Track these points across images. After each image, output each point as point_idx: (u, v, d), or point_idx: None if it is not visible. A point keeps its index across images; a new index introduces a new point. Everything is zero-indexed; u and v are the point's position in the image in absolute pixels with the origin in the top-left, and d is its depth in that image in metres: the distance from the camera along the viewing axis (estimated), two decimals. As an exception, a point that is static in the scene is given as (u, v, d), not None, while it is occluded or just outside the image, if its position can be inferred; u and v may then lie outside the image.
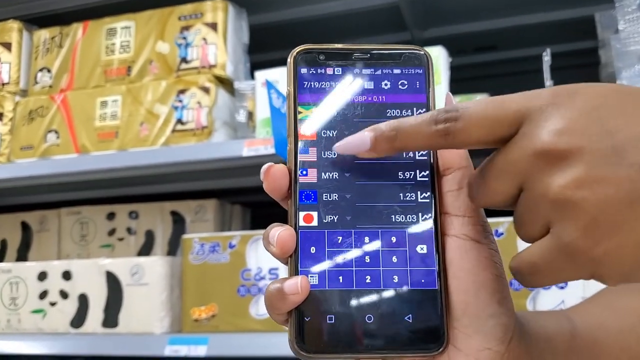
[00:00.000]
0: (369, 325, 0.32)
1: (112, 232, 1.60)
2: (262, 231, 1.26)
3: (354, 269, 0.33)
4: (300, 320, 0.33)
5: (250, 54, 1.50)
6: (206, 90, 1.35)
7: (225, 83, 1.40)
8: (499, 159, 0.29)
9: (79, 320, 1.35)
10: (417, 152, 0.35)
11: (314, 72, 0.36)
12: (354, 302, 0.33)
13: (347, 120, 0.35)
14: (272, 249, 0.34)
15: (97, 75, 1.49)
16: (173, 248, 1.54)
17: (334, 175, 0.35)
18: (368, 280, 0.33)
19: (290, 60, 0.36)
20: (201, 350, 1.21)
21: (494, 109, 0.29)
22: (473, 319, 0.33)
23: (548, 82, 1.08)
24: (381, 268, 0.33)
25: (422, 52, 0.36)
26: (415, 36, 1.70)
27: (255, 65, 1.45)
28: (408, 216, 0.34)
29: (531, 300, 1.09)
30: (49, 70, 1.55)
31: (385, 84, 0.35)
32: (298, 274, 0.33)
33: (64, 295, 1.37)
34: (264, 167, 0.35)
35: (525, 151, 0.28)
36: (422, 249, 0.34)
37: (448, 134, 0.30)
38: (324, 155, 0.35)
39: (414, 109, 0.35)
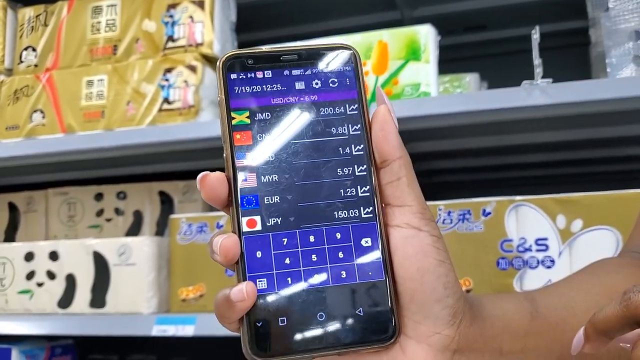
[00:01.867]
0: (322, 324, 0.33)
1: (100, 213, 1.59)
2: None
3: (301, 268, 0.33)
4: (251, 325, 0.33)
5: (238, 32, 1.48)
6: (193, 69, 1.34)
7: (212, 62, 1.39)
8: None
9: (66, 300, 1.34)
10: (353, 148, 0.35)
11: (244, 77, 0.35)
12: (304, 302, 0.33)
13: (282, 122, 0.35)
14: (216, 258, 0.33)
15: (82, 54, 1.47)
16: (161, 228, 1.54)
17: (274, 178, 0.34)
18: (317, 279, 0.33)
19: (219, 66, 0.35)
20: (189, 330, 1.21)
21: None
22: (420, 305, 0.33)
23: (537, 60, 1.07)
24: (328, 265, 0.33)
25: (349, 49, 0.36)
26: (405, 15, 1.68)
27: (243, 45, 1.43)
28: (350, 211, 0.34)
29: (518, 280, 1.09)
30: (34, 49, 1.53)
31: (316, 83, 0.36)
32: (245, 280, 0.33)
33: (51, 275, 1.36)
34: (199, 176, 0.34)
35: None
36: (366, 242, 0.34)
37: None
38: (262, 159, 0.35)
39: (346, 105, 0.36)
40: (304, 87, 0.36)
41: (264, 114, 0.35)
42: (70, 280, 1.35)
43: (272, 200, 0.34)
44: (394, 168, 0.34)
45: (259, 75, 0.35)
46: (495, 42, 1.82)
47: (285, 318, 0.33)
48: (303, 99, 0.35)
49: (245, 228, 0.34)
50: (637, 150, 1.39)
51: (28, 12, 1.56)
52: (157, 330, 1.21)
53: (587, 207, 1.06)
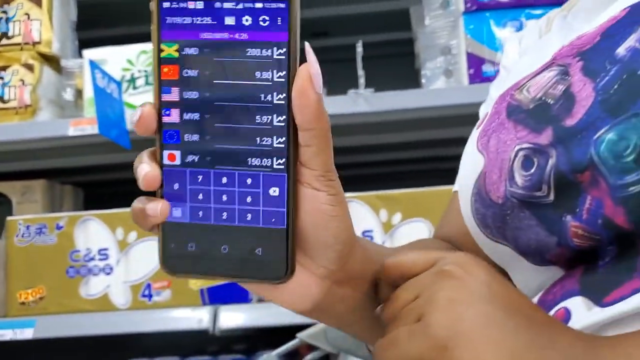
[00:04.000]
0: (224, 255, 0.36)
1: None
2: (91, 212, 1.26)
3: (212, 205, 0.36)
4: (165, 245, 0.37)
5: (79, 30, 1.47)
6: (29, 67, 1.31)
7: (51, 61, 1.37)
8: (413, 281, 0.40)
9: None
10: (275, 96, 0.35)
11: (177, 6, 0.35)
12: (211, 235, 0.36)
13: (208, 60, 0.35)
14: (139, 184, 0.37)
15: None
16: (-2, 231, 1.48)
17: (195, 117, 0.35)
18: (224, 217, 0.36)
19: None
20: (28, 333, 1.19)
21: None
22: (312, 248, 0.39)
23: (360, 71, 1.19)
24: (236, 207, 0.36)
25: None
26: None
27: (84, 42, 1.42)
28: (264, 160, 0.35)
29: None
30: None
31: (246, 20, 0.34)
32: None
33: None
34: (136, 110, 0.36)
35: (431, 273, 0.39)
36: (274, 191, 0.36)
37: None
38: (185, 95, 0.35)
39: (274, 48, 0.34)
40: (233, 24, 0.34)
41: (192, 49, 0.35)
42: None
43: (191, 138, 0.35)
44: (305, 137, 0.35)
45: (191, 5, 0.35)
46: (337, 49, 1.93)
47: (193, 245, 0.36)
48: (232, 36, 0.34)
49: (165, 161, 0.36)
50: (447, 151, 1.56)
51: None
52: (-8, 336, 1.18)
53: (405, 202, 1.20)
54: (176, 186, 0.36)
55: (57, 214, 1.28)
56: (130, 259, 1.24)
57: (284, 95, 0.34)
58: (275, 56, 0.34)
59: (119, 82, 1.22)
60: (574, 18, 0.52)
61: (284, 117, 0.35)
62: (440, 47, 1.31)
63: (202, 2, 0.34)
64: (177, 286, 1.22)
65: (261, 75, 0.34)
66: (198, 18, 0.34)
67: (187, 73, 0.35)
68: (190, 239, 0.36)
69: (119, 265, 1.24)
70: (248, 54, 0.34)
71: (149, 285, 1.23)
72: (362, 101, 1.17)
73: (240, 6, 0.34)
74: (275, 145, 0.35)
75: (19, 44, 1.34)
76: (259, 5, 0.34)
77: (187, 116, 0.35)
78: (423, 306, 0.38)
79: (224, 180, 0.36)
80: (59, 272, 1.26)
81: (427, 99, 1.17)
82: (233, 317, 1.17)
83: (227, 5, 0.34)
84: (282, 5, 0.33)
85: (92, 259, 1.25)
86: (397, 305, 0.40)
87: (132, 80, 1.28)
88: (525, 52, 0.58)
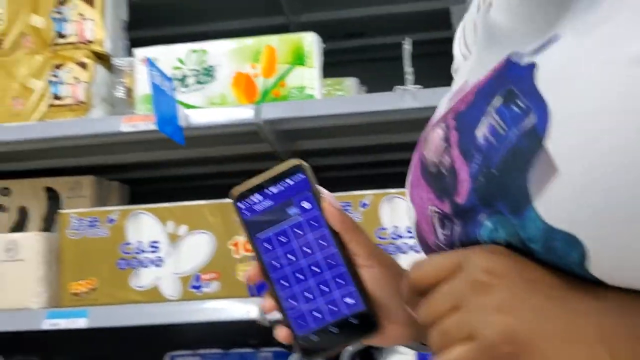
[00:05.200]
0: (336, 333, 0.54)
1: (-19, 210, 1.55)
2: (142, 206, 1.30)
3: (310, 311, 0.54)
4: (296, 339, 0.54)
5: (128, 30, 1.51)
6: (83, 65, 1.35)
7: (103, 59, 1.41)
8: (446, 289, 0.41)
9: (-53, 299, 1.31)
10: (319, 226, 0.54)
11: (247, 203, 0.55)
12: (322, 328, 0.54)
13: (274, 222, 0.55)
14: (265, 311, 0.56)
15: (-37, 46, 1.43)
16: (48, 224, 1.53)
17: (280, 262, 0.55)
18: (326, 316, 0.54)
19: (232, 197, 0.55)
20: (81, 323, 1.23)
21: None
22: (388, 307, 0.54)
23: (408, 68, 1.20)
24: (327, 304, 0.54)
25: (300, 164, 0.54)
26: (291, 20, 1.78)
27: (133, 42, 1.46)
28: (327, 264, 0.54)
29: (392, 264, 1.22)
30: None
31: (285, 191, 0.55)
32: (284, 323, 0.54)
33: None
34: (244, 275, 0.53)
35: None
36: (343, 284, 0.54)
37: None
38: (270, 249, 0.55)
39: (307, 200, 0.54)
40: (279, 196, 0.54)
41: (264, 220, 0.55)
42: (-48, 278, 1.31)
43: (282, 272, 0.54)
44: (342, 235, 0.54)
45: (254, 199, 0.55)
46: (373, 49, 1.96)
47: (314, 335, 0.54)
48: (283, 203, 0.54)
49: (276, 293, 0.55)
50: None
51: None
52: (48, 325, 1.22)
53: (450, 198, 1.21)
54: (286, 302, 0.54)
55: (107, 208, 1.32)
56: (180, 251, 1.27)
57: (324, 222, 0.54)
58: (312, 203, 0.54)
59: (172, 79, 1.25)
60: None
61: (326, 230, 0.54)
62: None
63: (260, 195, 0.54)
64: (225, 278, 1.25)
65: (307, 216, 0.54)
66: (262, 203, 0.54)
67: (266, 234, 0.54)
68: (310, 334, 0.54)
69: (169, 258, 1.27)
70: (292, 211, 0.54)
71: (198, 277, 1.26)
72: (409, 97, 1.18)
73: (282, 187, 0.54)
74: (330, 254, 0.54)
75: (73, 43, 1.38)
76: (290, 182, 0.54)
77: (275, 262, 0.54)
78: (471, 323, 0.38)
79: (310, 296, 0.54)
80: (110, 264, 1.29)
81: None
82: (280, 310, 1.19)
83: (273, 189, 0.54)
84: (303, 176, 0.54)
85: (143, 251, 1.28)
86: (433, 312, 0.41)
87: (183, 78, 1.32)
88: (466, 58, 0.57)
